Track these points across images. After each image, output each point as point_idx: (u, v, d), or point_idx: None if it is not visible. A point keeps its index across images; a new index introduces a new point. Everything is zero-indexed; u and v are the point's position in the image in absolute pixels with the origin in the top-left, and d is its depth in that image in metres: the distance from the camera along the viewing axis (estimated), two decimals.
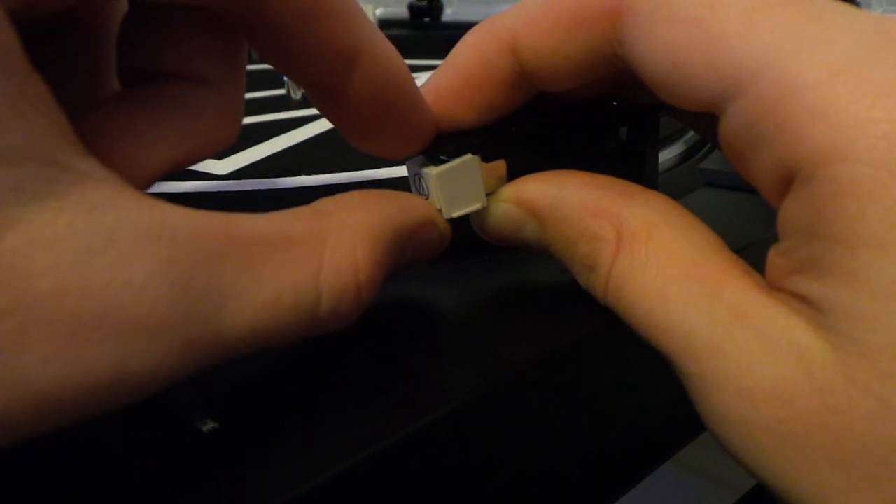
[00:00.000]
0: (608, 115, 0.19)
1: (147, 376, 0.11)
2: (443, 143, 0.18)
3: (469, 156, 0.17)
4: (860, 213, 0.11)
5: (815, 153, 0.12)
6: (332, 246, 0.14)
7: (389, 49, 0.16)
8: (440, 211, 0.17)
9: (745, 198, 0.25)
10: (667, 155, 0.28)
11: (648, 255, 0.15)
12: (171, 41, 0.15)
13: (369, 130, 0.17)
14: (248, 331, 0.12)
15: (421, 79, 0.48)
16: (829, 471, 0.11)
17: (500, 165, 0.18)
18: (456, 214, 0.18)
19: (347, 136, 0.17)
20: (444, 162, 0.17)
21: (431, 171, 0.17)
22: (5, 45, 0.10)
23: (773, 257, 0.13)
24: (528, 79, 0.17)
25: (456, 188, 0.17)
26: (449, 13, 0.84)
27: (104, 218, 0.11)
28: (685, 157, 0.29)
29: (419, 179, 0.18)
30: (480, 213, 0.18)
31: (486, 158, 0.17)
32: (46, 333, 0.10)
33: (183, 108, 0.15)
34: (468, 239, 0.19)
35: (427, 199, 0.18)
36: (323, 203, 0.15)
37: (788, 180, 0.12)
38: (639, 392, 0.20)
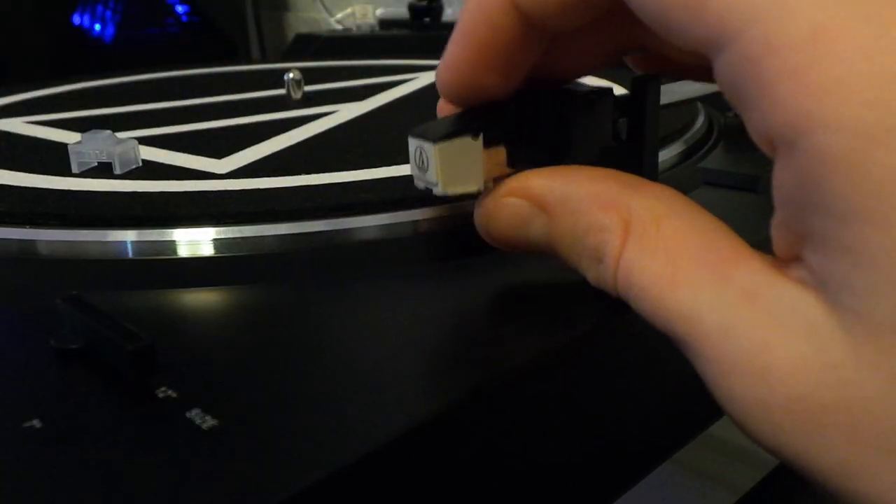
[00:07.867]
0: (607, 103, 0.19)
1: None
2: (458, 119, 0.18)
3: (471, 135, 0.17)
4: (850, 187, 0.11)
5: (794, 121, 0.11)
6: None
7: None
8: (436, 185, 0.17)
9: (746, 198, 0.25)
10: (667, 154, 0.28)
11: (658, 242, 0.14)
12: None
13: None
14: None
15: (422, 79, 0.47)
16: (848, 447, 0.11)
17: (499, 152, 0.18)
18: (451, 192, 0.17)
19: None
20: (447, 137, 0.17)
21: (433, 145, 0.17)
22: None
23: (775, 229, 0.13)
24: (535, 28, 0.17)
25: (456, 165, 0.17)
26: (449, 13, 0.84)
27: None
28: (685, 156, 0.29)
29: (420, 153, 0.18)
30: (487, 215, 0.18)
31: (487, 143, 0.17)
32: None
33: None
34: (468, 239, 0.19)
35: (426, 173, 0.18)
36: None
37: (774, 143, 0.12)
38: (638, 392, 0.20)
